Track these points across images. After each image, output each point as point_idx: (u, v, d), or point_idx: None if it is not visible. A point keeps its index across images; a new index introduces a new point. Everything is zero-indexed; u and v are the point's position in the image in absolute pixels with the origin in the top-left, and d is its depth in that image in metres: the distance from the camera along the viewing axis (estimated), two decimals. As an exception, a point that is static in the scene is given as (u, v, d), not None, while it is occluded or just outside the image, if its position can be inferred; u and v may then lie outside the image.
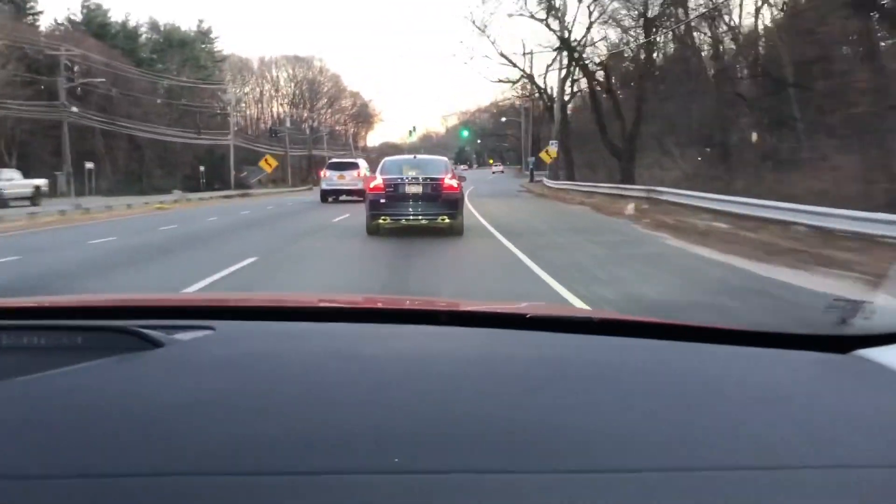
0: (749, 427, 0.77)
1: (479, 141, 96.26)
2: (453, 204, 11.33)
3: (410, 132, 74.11)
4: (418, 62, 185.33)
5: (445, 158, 13.57)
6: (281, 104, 75.23)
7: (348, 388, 0.85)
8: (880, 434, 0.77)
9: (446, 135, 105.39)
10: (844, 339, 1.04)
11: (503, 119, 69.73)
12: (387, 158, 12.98)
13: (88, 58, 38.95)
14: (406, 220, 11.29)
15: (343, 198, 22.99)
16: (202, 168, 44.62)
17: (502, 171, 74.45)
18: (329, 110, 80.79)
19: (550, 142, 35.95)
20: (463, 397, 0.82)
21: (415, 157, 13.37)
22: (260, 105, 75.31)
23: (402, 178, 11.40)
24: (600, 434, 0.74)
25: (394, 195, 11.24)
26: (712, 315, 5.50)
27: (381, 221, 11.35)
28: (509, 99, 54.99)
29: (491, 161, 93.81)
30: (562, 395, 0.84)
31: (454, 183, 11.46)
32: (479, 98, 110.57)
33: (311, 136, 69.98)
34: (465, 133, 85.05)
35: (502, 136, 75.65)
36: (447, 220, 11.28)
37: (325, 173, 24.19)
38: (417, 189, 11.26)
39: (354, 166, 24.07)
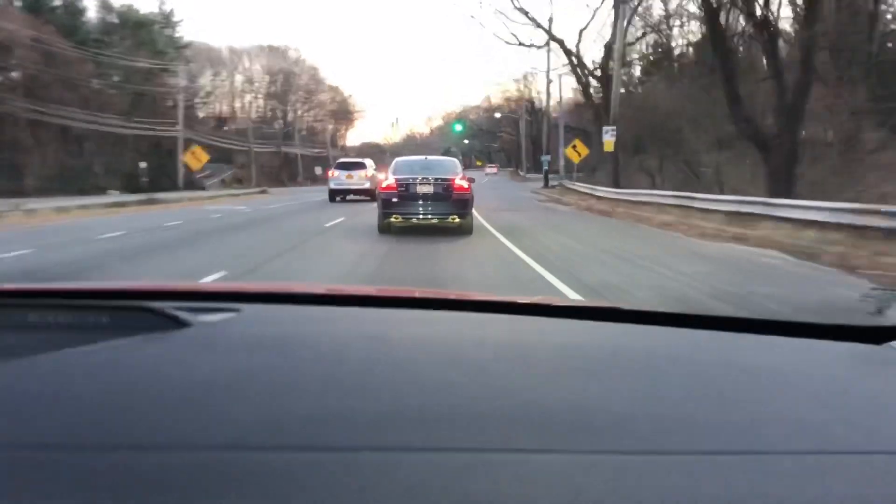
0: (784, 413, 0.78)
1: (466, 141, 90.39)
2: (463, 204, 11.56)
3: (392, 124, 68.68)
4: (404, 60, 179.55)
5: (455, 160, 13.82)
6: (256, 97, 68.28)
7: (374, 368, 0.87)
8: None
9: (431, 135, 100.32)
10: (880, 330, 1.05)
11: (497, 115, 63.93)
12: (398, 159, 13.16)
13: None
14: (417, 219, 11.54)
15: (350, 197, 23.37)
16: (142, 164, 38.26)
17: (496, 173, 69.08)
18: (305, 105, 73.81)
19: (606, 130, 23.77)
20: (486, 380, 0.84)
21: (426, 158, 13.26)
22: (234, 98, 68.38)
23: (413, 178, 11.55)
24: (632, 417, 0.75)
25: (406, 195, 11.45)
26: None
27: (392, 220, 11.57)
28: (509, 93, 49.90)
29: (480, 162, 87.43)
30: (590, 380, 0.86)
31: (464, 184, 11.64)
32: (467, 99, 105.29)
33: (282, 130, 63.42)
34: (459, 127, 78.39)
35: (494, 135, 69.69)
36: (457, 220, 11.53)
37: (334, 173, 24.33)
38: (429, 189, 11.47)
39: (362, 166, 24.25)
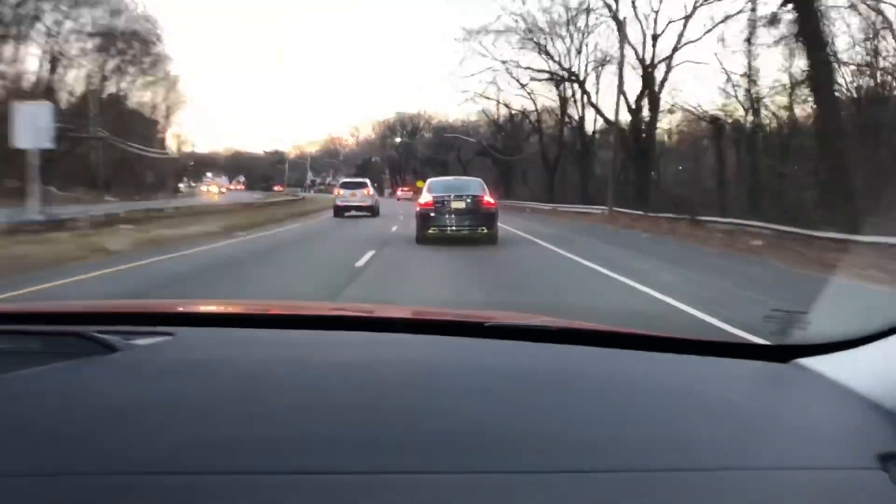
0: (692, 432, 0.82)
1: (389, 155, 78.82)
2: (491, 217, 13.40)
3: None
4: (328, 61, 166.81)
5: (479, 180, 15.20)
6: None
7: (291, 392, 0.88)
8: (814, 438, 0.83)
9: (357, 146, 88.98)
10: (785, 349, 1.11)
11: (479, 119, 52.16)
12: (432, 180, 15.06)
13: None
14: (451, 230, 13.17)
15: (353, 213, 25.54)
16: None
17: (410, 199, 56.44)
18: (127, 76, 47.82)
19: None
20: (407, 404, 0.85)
21: (456, 179, 16.46)
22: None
23: (447, 196, 13.36)
24: (542, 437, 0.77)
25: (441, 209, 13.23)
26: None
27: (430, 232, 13.22)
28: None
29: (417, 185, 71.28)
30: (510, 400, 0.88)
31: (491, 200, 13.63)
32: (404, 107, 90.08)
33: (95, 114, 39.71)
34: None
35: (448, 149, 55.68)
36: (485, 231, 13.24)
37: (339, 191, 27.70)
38: (461, 205, 13.26)
39: (364, 185, 27.50)
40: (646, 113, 27.94)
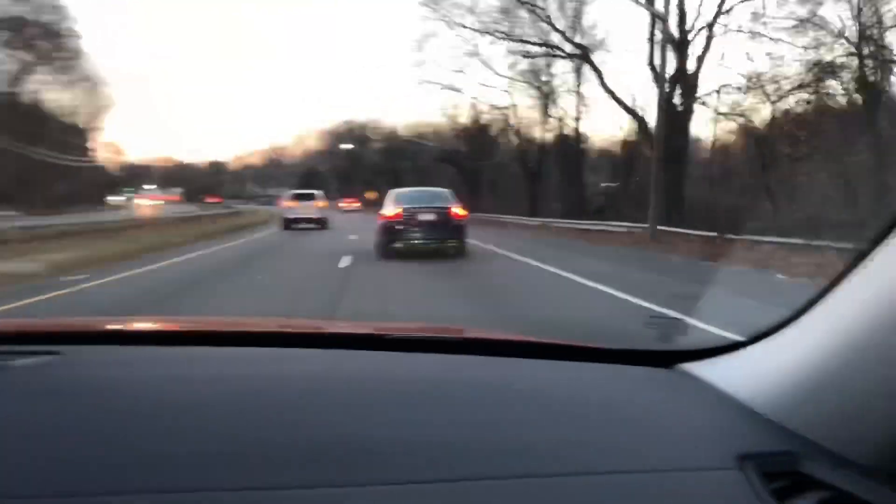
0: (559, 437, 0.84)
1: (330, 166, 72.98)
2: (461, 230, 12.90)
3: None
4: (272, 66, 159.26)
5: (448, 190, 14.40)
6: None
7: (171, 411, 0.88)
8: (682, 441, 0.86)
9: (303, 159, 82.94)
10: (671, 354, 1.15)
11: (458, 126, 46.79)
12: (398, 190, 14.21)
13: None
14: (419, 243, 12.54)
15: (302, 226, 24.64)
16: None
17: (357, 210, 50.49)
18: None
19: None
20: (292, 418, 0.86)
21: (423, 190, 14.78)
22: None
23: (415, 207, 12.69)
24: (432, 446, 0.80)
25: (409, 222, 12.51)
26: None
27: (396, 246, 12.52)
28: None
29: (367, 197, 64.83)
30: (399, 411, 0.90)
31: (460, 211, 13.03)
32: (354, 114, 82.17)
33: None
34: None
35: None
36: (454, 244, 12.75)
37: (289, 203, 26.49)
38: (430, 217, 12.62)
39: (313, 197, 26.79)
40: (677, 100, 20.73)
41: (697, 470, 0.78)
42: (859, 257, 0.81)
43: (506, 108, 34.66)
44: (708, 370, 1.05)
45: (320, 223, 24.92)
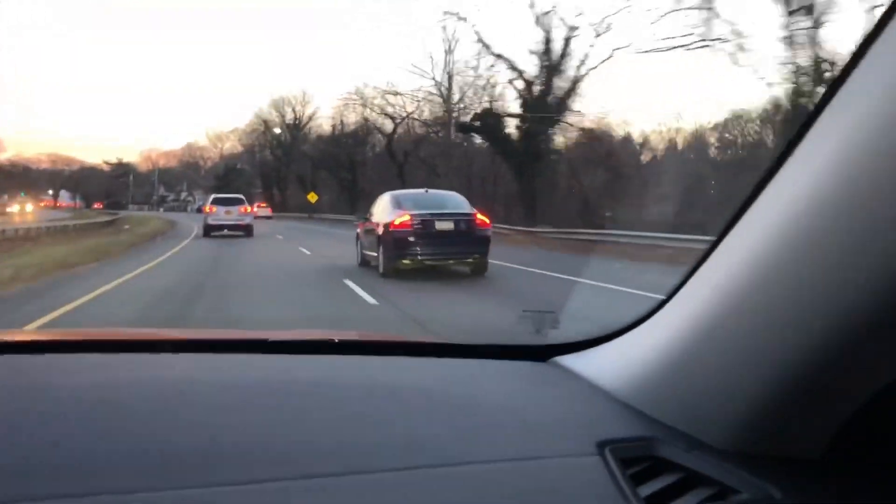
0: (431, 431, 0.87)
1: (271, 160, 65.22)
2: (485, 241, 10.46)
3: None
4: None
5: (458, 194, 12.08)
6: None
7: (89, 416, 0.89)
8: (548, 430, 0.89)
9: (222, 160, 75.37)
10: (546, 349, 1.18)
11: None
12: (398, 193, 11.67)
13: None
14: (435, 259, 10.25)
15: (225, 232, 23.90)
16: None
17: (269, 217, 46.67)
18: None
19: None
20: (196, 420, 0.88)
21: (428, 192, 12.04)
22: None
23: (428, 214, 10.30)
24: (308, 444, 0.82)
25: (423, 233, 10.12)
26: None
27: (405, 262, 10.12)
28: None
29: (310, 199, 54.86)
30: (287, 411, 0.92)
31: (485, 218, 10.77)
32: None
33: None
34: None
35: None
36: (477, 259, 10.40)
37: (213, 208, 24.99)
38: (449, 225, 10.27)
39: (241, 202, 25.50)
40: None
41: (559, 457, 0.82)
42: (710, 249, 0.84)
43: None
44: (579, 362, 1.10)
45: (246, 230, 24.04)
